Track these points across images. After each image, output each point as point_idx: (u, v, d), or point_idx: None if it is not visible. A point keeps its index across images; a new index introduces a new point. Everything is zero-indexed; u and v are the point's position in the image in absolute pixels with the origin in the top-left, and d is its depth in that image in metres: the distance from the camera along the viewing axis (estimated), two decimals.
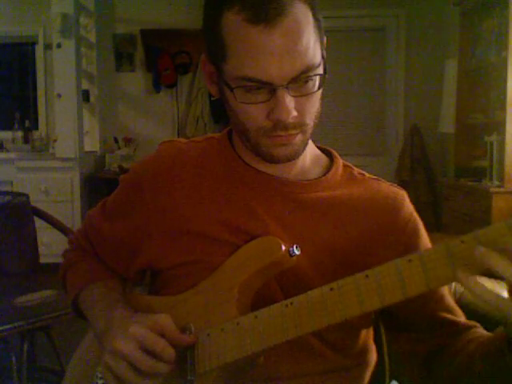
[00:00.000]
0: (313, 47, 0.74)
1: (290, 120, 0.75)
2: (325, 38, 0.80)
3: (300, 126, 0.78)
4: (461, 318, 0.86)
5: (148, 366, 0.73)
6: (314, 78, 0.75)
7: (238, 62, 0.73)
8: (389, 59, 4.75)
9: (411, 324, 0.86)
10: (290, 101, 0.74)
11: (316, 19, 0.75)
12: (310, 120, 0.79)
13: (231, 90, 0.75)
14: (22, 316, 1.92)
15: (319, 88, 0.77)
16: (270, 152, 0.80)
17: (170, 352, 0.73)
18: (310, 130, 0.80)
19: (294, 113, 0.75)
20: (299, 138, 0.79)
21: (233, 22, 0.72)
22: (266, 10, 0.70)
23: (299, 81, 0.74)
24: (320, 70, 0.76)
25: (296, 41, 0.72)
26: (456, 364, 0.80)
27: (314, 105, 0.79)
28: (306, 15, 0.73)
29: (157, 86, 4.75)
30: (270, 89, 0.73)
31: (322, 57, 0.77)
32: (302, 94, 0.76)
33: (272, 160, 0.81)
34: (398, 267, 0.65)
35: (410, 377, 0.90)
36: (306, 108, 0.77)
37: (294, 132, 0.77)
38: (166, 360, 0.73)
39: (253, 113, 0.76)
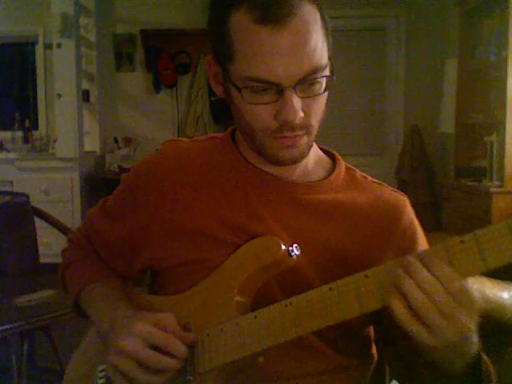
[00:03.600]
0: (320, 48, 0.74)
1: (297, 121, 0.75)
2: (331, 39, 0.80)
3: (306, 127, 0.77)
4: None
5: (156, 362, 0.73)
6: (321, 79, 0.75)
7: (246, 62, 0.73)
8: (389, 59, 4.75)
9: (397, 335, 0.86)
10: (297, 102, 0.74)
11: (323, 20, 0.75)
12: (316, 122, 0.79)
13: (239, 90, 0.75)
14: (22, 316, 1.92)
15: (326, 90, 0.77)
16: (276, 154, 0.79)
17: (180, 347, 0.74)
18: (315, 132, 0.80)
19: (301, 114, 0.75)
20: (304, 139, 0.79)
21: (240, 22, 0.72)
22: (275, 10, 0.70)
23: (306, 82, 0.74)
24: (327, 72, 0.76)
25: (304, 42, 0.72)
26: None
27: (320, 106, 0.78)
28: (314, 16, 0.73)
29: (157, 85, 4.75)
30: (277, 89, 0.73)
31: (329, 58, 0.77)
32: (309, 96, 0.75)
33: (277, 162, 0.81)
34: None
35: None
36: (312, 109, 0.77)
37: (300, 133, 0.77)
38: (176, 355, 0.73)
39: (260, 113, 0.76)
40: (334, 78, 0.77)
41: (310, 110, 0.76)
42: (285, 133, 0.76)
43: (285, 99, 0.73)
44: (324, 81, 0.76)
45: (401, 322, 0.63)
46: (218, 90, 0.83)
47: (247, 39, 0.72)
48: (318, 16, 0.74)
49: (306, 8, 0.72)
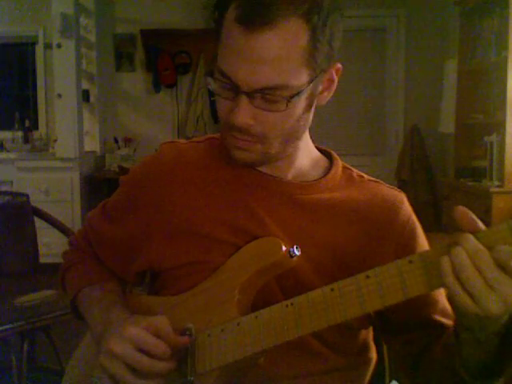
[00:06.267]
0: (291, 68, 0.72)
1: (241, 125, 0.75)
2: (333, 66, 0.79)
3: (258, 136, 0.77)
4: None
5: (144, 366, 0.73)
6: (282, 98, 0.73)
7: (221, 54, 0.75)
8: (389, 59, 4.75)
9: (403, 327, 0.86)
10: (246, 108, 0.74)
11: (313, 42, 0.73)
12: (274, 135, 0.78)
13: (213, 78, 0.77)
14: (22, 316, 1.92)
15: (288, 108, 0.74)
16: (231, 151, 0.81)
17: (164, 350, 0.73)
18: (276, 144, 0.79)
19: (250, 121, 0.75)
20: (258, 147, 0.79)
21: (229, 16, 0.74)
22: (254, 14, 0.70)
23: (266, 95, 0.73)
24: (291, 93, 0.73)
25: (272, 56, 0.71)
26: (434, 358, 0.81)
27: (283, 122, 0.77)
28: (297, 36, 0.71)
29: (157, 86, 4.75)
30: (236, 90, 0.74)
31: (310, 81, 0.75)
32: (266, 109, 0.75)
33: (232, 160, 0.82)
34: (399, 268, 0.65)
35: (403, 376, 0.91)
36: (267, 122, 0.76)
37: (249, 139, 0.78)
38: (161, 358, 0.73)
39: (221, 107, 0.78)
40: (300, 99, 0.75)
41: (265, 121, 0.76)
42: (233, 133, 0.78)
43: (237, 101, 0.74)
44: (288, 100, 0.73)
45: (447, 290, 0.61)
46: None
47: (226, 34, 0.74)
48: (304, 37, 0.72)
49: (289, 25, 0.70)
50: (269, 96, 0.73)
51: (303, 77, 0.74)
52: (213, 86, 0.77)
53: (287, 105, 0.74)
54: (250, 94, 0.73)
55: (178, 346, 0.76)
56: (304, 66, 0.74)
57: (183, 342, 0.76)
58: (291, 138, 0.81)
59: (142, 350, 0.73)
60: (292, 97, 0.74)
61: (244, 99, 0.73)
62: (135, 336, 0.73)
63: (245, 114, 0.74)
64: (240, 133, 0.77)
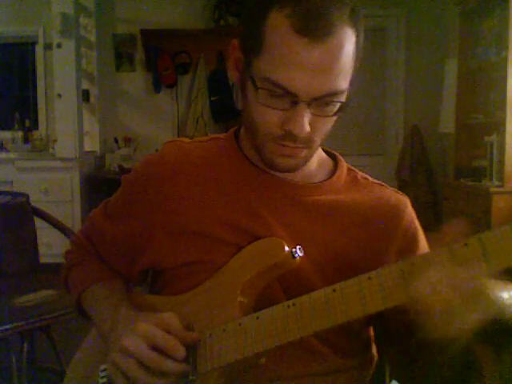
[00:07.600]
0: (345, 74, 0.74)
1: (305, 135, 0.75)
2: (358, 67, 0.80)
3: (309, 142, 0.78)
4: None
5: (157, 364, 0.72)
6: (335, 103, 0.75)
7: (271, 64, 0.73)
8: (389, 59, 4.75)
9: (401, 334, 0.86)
10: (307, 117, 0.74)
11: (357, 46, 0.75)
12: (319, 138, 0.80)
13: (256, 88, 0.75)
14: (22, 316, 1.92)
15: (337, 113, 0.77)
16: (273, 159, 0.80)
17: (180, 349, 0.73)
18: (316, 147, 0.81)
19: (308, 129, 0.75)
20: (304, 152, 0.80)
21: (279, 24, 0.71)
22: (316, 25, 0.70)
23: (322, 101, 0.74)
24: (343, 97, 0.76)
25: (333, 63, 0.72)
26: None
27: (328, 126, 0.79)
28: (350, 41, 0.73)
29: (157, 86, 4.75)
30: (292, 100, 0.73)
31: (350, 84, 0.77)
32: (320, 115, 0.76)
33: (271, 167, 0.82)
34: (401, 269, 0.65)
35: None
36: (319, 127, 0.77)
37: (300, 146, 0.78)
38: (175, 357, 0.73)
39: (268, 117, 0.76)
40: (349, 104, 0.77)
41: (317, 127, 0.77)
42: (287, 142, 0.77)
43: (296, 111, 0.74)
44: (338, 105, 0.76)
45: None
46: (234, 75, 0.83)
47: (280, 44, 0.72)
48: (353, 41, 0.74)
49: (344, 30, 0.72)
50: (324, 103, 0.74)
51: (348, 79, 0.76)
52: (261, 98, 0.75)
53: (336, 108, 0.76)
54: (309, 103, 0.73)
55: (188, 342, 0.75)
56: (351, 68, 0.76)
57: (193, 337, 0.76)
58: (323, 142, 0.82)
59: (154, 347, 0.73)
60: (344, 101, 0.76)
61: (304, 108, 0.73)
62: (147, 332, 0.73)
63: (305, 123, 0.74)
64: (294, 142, 0.77)
